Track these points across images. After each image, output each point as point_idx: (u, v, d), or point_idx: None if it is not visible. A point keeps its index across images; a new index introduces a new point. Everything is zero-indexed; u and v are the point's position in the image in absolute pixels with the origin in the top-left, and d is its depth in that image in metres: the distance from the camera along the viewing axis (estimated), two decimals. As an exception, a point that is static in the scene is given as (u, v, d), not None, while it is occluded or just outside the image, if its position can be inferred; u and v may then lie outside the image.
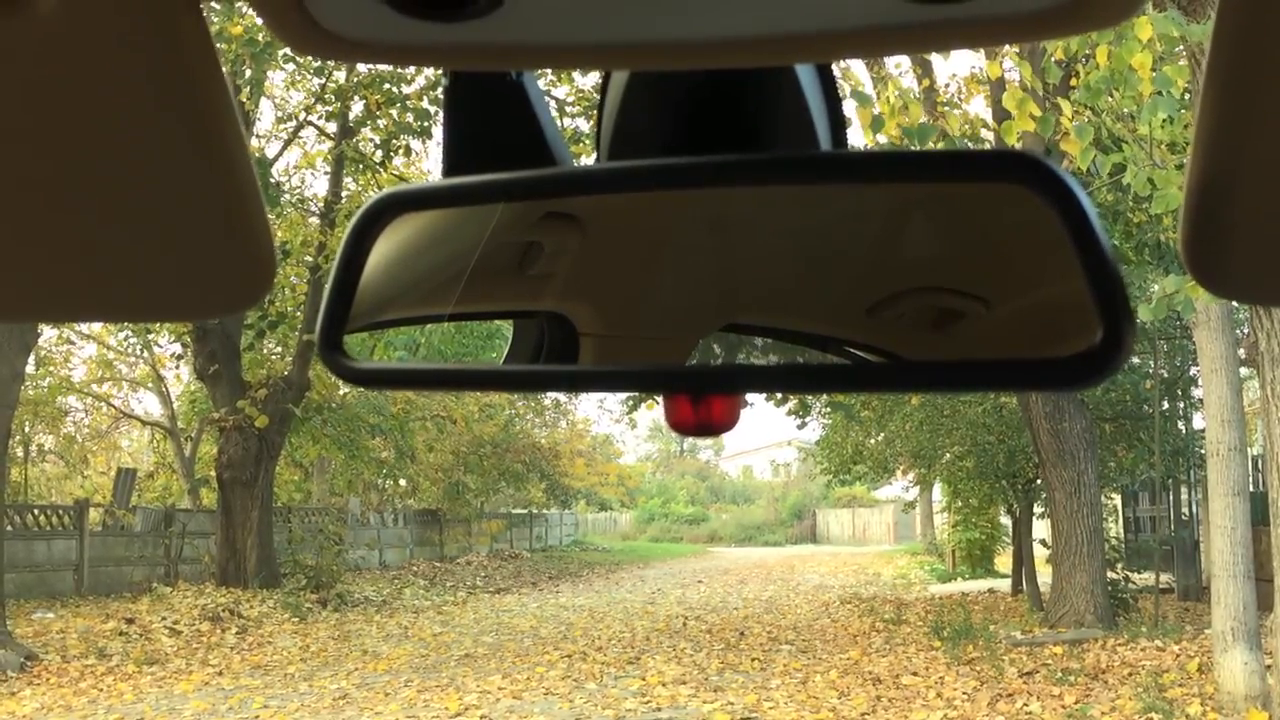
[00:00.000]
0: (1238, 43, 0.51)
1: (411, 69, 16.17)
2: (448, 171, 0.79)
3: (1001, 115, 7.45)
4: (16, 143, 0.58)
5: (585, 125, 14.64)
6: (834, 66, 0.82)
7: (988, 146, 9.42)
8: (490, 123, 0.80)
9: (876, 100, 7.17)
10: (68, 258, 0.65)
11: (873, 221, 0.76)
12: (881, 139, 6.61)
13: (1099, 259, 0.60)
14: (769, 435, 50.65)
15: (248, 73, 13.72)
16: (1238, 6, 0.49)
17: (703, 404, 0.71)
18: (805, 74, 0.76)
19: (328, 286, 0.74)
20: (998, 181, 0.65)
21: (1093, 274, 0.60)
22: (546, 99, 0.85)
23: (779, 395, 16.29)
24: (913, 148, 6.34)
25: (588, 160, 0.96)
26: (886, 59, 11.02)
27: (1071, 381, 0.64)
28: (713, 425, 0.70)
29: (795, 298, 0.80)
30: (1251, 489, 10.13)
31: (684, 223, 0.79)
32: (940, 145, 7.18)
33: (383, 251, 0.75)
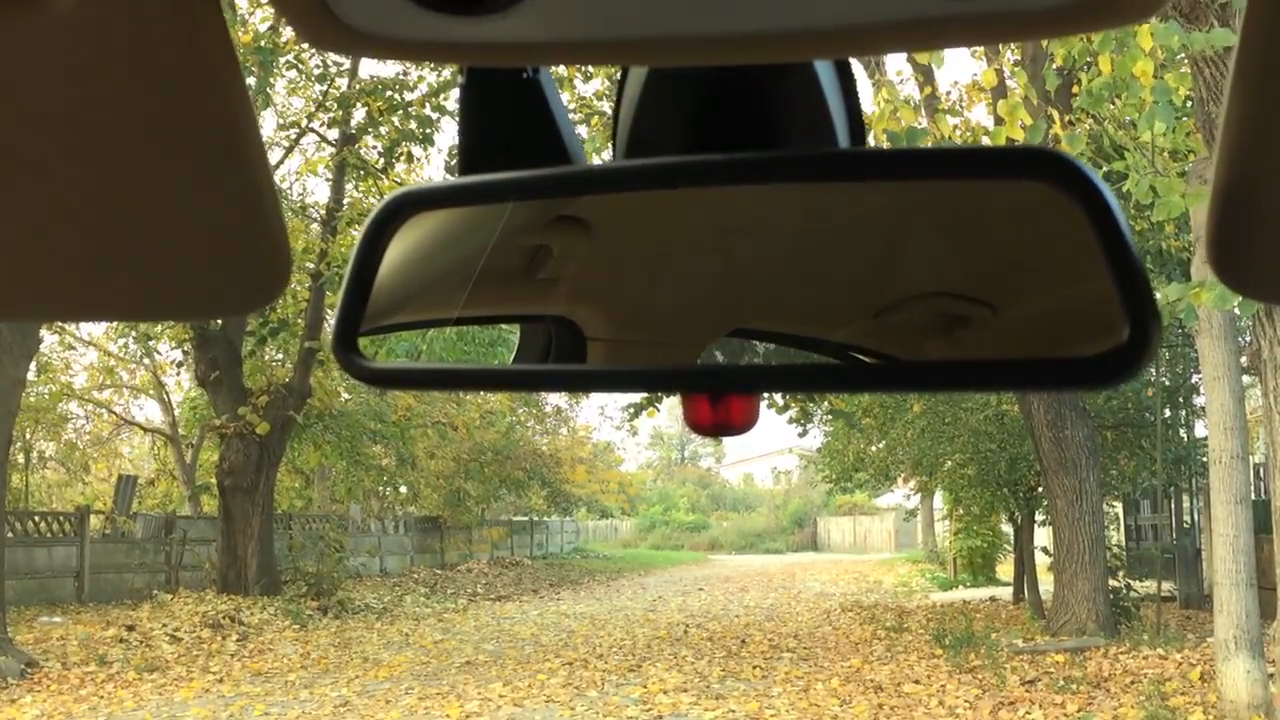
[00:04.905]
0: (1266, 41, 0.50)
1: (414, 73, 16.22)
2: (463, 170, 0.79)
3: (1001, 122, 7.46)
4: (33, 140, 0.57)
5: (584, 131, 14.64)
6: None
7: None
8: (506, 122, 0.79)
9: (872, 103, 7.18)
10: (81, 256, 0.65)
11: (883, 224, 0.75)
12: (870, 142, 6.62)
13: (1125, 257, 0.60)
14: (770, 443, 50.53)
15: (253, 80, 13.74)
16: (1267, 4, 0.49)
17: (721, 404, 0.70)
18: (824, 70, 0.76)
19: (343, 286, 0.74)
20: (1020, 179, 0.65)
21: (1119, 272, 0.60)
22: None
23: (780, 402, 16.28)
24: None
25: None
26: (885, 65, 11.02)
27: (1097, 380, 0.63)
28: (731, 425, 0.69)
29: (802, 303, 0.80)
30: (1254, 497, 10.11)
31: (691, 228, 0.78)
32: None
33: (397, 252, 0.74)
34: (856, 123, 0.78)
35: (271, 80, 14.80)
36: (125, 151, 0.58)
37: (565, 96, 15.46)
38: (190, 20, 0.52)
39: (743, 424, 0.70)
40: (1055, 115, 6.79)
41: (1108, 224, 0.60)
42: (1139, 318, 0.60)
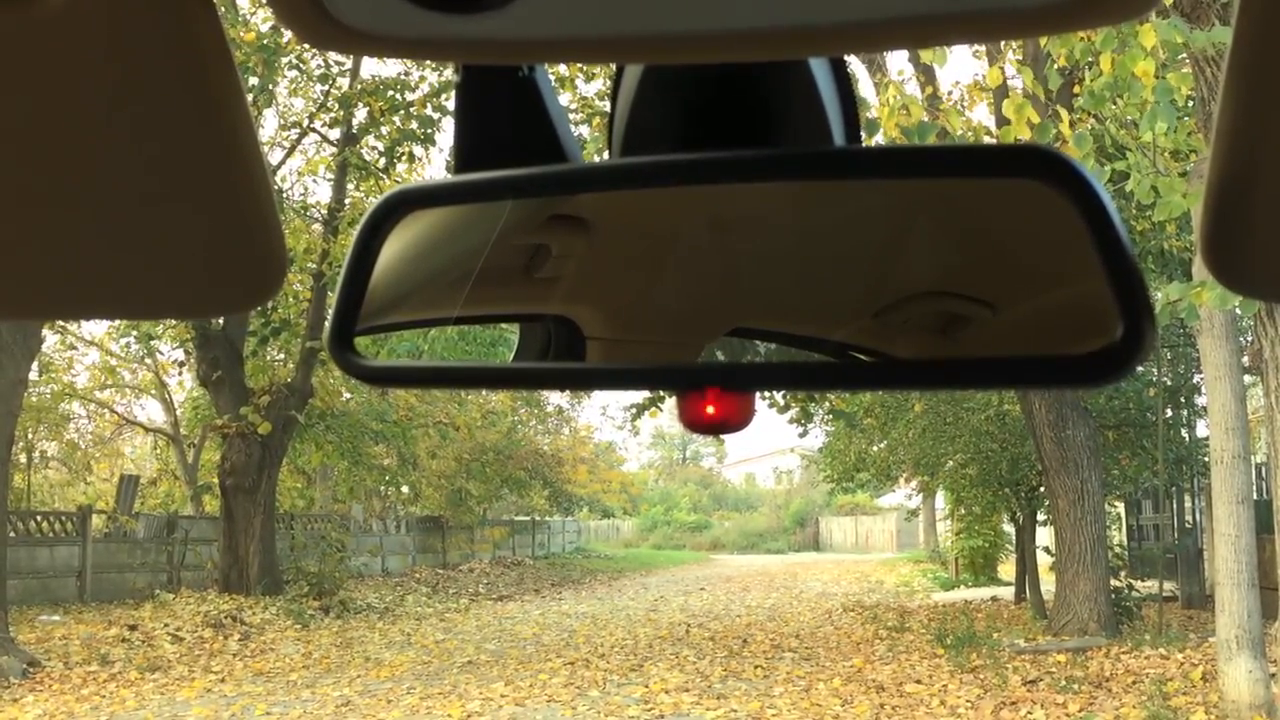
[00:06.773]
0: (1259, 40, 0.50)
1: (416, 73, 16.22)
2: (459, 169, 0.79)
3: (1004, 122, 7.45)
4: (26, 138, 0.57)
5: (586, 131, 14.64)
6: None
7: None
8: (502, 120, 0.79)
9: (876, 101, 7.17)
10: (77, 255, 0.65)
11: (881, 224, 0.75)
12: (879, 139, 6.60)
13: (1119, 255, 0.60)
14: (772, 443, 50.50)
15: (254, 80, 13.73)
16: (1260, 3, 0.49)
17: (716, 402, 0.70)
18: (819, 68, 0.76)
19: (339, 284, 0.74)
20: (1014, 177, 0.65)
21: (1113, 270, 0.60)
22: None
23: (781, 402, 16.27)
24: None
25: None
26: (887, 63, 11.01)
27: (1092, 378, 0.63)
28: (726, 423, 0.69)
29: (801, 302, 0.80)
30: (1255, 496, 10.11)
31: (689, 226, 0.78)
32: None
33: (394, 250, 0.74)
34: (852, 121, 0.78)
35: (274, 80, 14.80)
36: (120, 151, 0.58)
37: (566, 96, 15.46)
38: (184, 18, 0.52)
39: (738, 422, 0.69)
40: (1063, 114, 6.77)
41: (1102, 223, 0.60)
42: (1133, 317, 0.60)
